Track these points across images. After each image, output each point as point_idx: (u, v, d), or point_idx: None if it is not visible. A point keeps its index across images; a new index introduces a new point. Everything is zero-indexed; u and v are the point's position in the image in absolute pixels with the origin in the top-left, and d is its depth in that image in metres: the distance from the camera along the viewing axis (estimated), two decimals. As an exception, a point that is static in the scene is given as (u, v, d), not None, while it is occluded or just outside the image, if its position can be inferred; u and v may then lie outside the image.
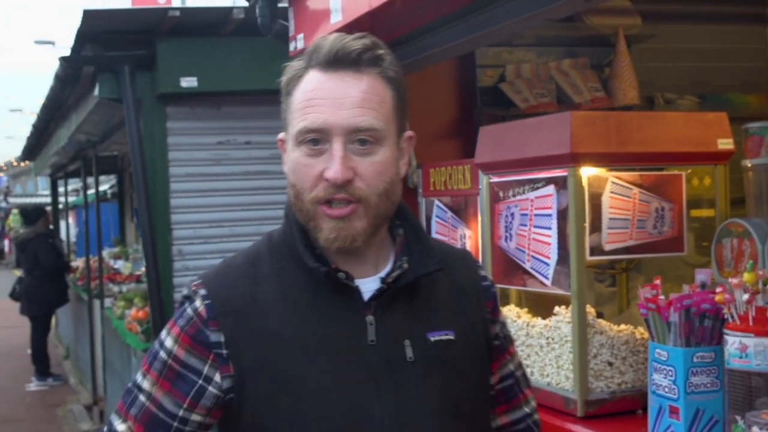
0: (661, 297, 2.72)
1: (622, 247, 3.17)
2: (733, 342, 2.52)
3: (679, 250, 3.25)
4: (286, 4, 5.08)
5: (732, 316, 2.55)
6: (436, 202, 4.34)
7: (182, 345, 1.70)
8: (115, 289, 11.06)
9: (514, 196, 3.40)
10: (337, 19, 4.04)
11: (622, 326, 3.17)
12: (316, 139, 1.65)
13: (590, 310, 3.14)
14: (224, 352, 1.67)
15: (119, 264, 12.77)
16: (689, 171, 3.29)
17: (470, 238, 4.05)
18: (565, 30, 4.84)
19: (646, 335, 3.12)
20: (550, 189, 3.18)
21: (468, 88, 4.97)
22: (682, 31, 5.22)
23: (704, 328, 2.67)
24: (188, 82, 7.03)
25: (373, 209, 1.67)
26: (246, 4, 5.96)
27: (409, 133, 1.77)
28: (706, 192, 3.42)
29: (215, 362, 1.68)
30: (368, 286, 1.72)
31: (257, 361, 1.66)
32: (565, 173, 3.09)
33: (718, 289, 2.61)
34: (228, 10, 6.80)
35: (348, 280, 1.70)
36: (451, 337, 1.76)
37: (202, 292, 1.72)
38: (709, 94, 5.17)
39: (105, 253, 13.16)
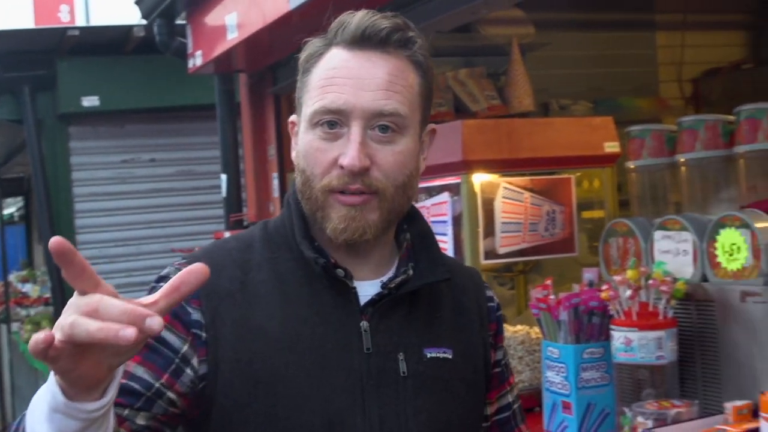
0: (552, 297, 2.81)
1: (516, 250, 3.26)
2: (618, 337, 2.62)
3: (571, 251, 3.35)
4: (184, 22, 5.09)
5: (617, 312, 2.65)
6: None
7: None
8: (23, 312, 10.84)
9: (411, 204, 3.47)
10: (233, 35, 4.07)
11: (518, 327, 3.26)
12: (333, 121, 1.49)
13: (487, 312, 3.22)
14: (204, 334, 1.48)
15: (27, 287, 12.50)
16: (579, 174, 3.39)
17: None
18: (461, 40, 4.92)
19: (541, 335, 3.21)
20: (445, 196, 3.26)
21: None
22: (575, 38, 5.36)
23: (593, 325, 2.77)
24: (90, 101, 6.98)
25: (389, 203, 1.51)
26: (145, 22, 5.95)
27: (432, 126, 1.63)
28: (596, 194, 3.54)
29: (194, 343, 1.47)
30: (366, 290, 1.56)
31: (236, 353, 1.48)
32: (458, 180, 3.17)
33: (604, 287, 2.71)
34: (128, 29, 6.77)
35: (347, 278, 1.54)
36: (448, 355, 1.59)
37: None
38: (602, 99, 5.30)
39: (13, 276, 12.88)
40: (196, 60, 4.68)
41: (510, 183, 3.24)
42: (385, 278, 1.58)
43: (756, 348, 2.48)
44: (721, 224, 2.57)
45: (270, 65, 4.64)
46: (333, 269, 1.53)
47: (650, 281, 2.61)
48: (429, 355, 1.56)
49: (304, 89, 1.54)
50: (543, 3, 3.73)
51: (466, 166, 3.13)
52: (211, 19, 4.44)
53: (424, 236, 1.65)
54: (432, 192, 3.34)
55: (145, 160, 7.31)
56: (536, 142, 3.30)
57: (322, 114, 1.49)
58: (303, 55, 1.56)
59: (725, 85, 5.59)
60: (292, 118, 1.59)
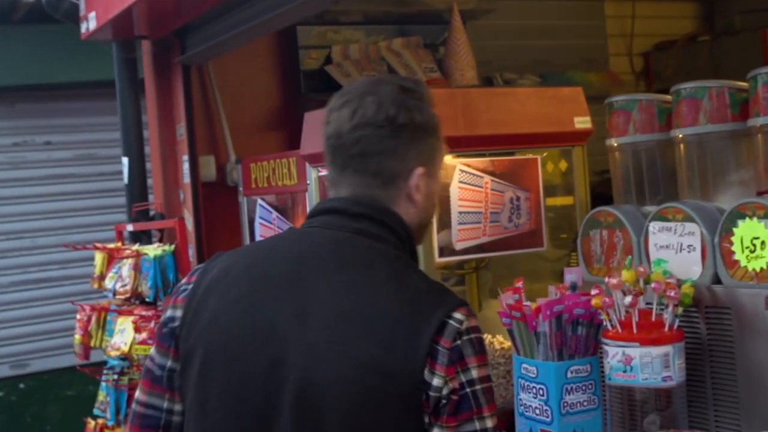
0: (527, 303, 2.30)
1: (475, 245, 2.81)
2: (614, 354, 2.16)
3: (538, 245, 2.94)
4: (74, -21, 4.51)
5: (611, 323, 2.16)
6: (259, 201, 3.95)
7: None
8: None
9: (347, 190, 2.98)
10: (133, -5, 3.53)
11: (478, 336, 2.78)
12: None
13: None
14: None
15: None
16: (545, 154, 2.94)
17: (299, 240, 3.63)
18: (395, 6, 4.61)
19: (506, 344, 2.73)
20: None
21: (290, 71, 4.56)
22: (520, 6, 5.05)
23: (578, 337, 2.28)
24: (-27, 77, 6.34)
25: None
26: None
27: None
28: (559, 177, 3.10)
29: None
30: None
31: None
32: (405, 161, 2.68)
33: (594, 291, 2.22)
34: (15, -6, 6.13)
35: None
36: None
37: None
38: (549, 73, 5.03)
39: None
40: (90, 23, 4.09)
41: (467, 165, 2.81)
42: None
43: (783, 366, 2.03)
44: (739, 214, 2.12)
45: (177, 30, 4.09)
46: None
47: (652, 285, 2.13)
48: None
49: (437, 145, 1.86)
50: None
51: (415, 145, 2.64)
52: (107, -23, 3.86)
53: None
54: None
55: (39, 143, 6.72)
56: (496, 117, 2.89)
57: None
58: (431, 116, 1.83)
59: (679, 59, 5.36)
60: (420, 170, 1.81)
